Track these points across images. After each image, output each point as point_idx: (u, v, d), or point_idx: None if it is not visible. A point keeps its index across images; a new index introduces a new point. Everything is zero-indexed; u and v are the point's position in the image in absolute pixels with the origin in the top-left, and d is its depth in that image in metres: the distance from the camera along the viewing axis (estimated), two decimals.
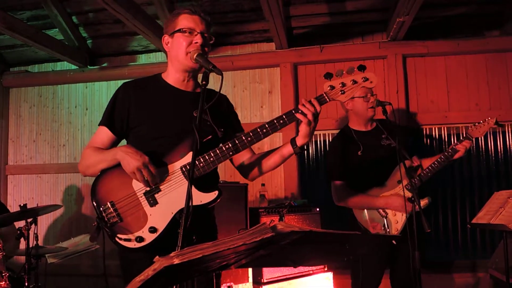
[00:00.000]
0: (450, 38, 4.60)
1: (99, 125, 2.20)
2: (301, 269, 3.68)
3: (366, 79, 2.05)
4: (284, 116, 2.01)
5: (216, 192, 1.98)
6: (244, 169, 2.29)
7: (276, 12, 3.86)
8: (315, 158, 4.85)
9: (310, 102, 1.98)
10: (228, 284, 3.42)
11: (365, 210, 3.28)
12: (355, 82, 2.04)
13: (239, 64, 4.93)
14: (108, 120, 2.17)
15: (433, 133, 4.68)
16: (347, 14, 4.54)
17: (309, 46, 4.77)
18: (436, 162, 3.20)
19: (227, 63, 4.88)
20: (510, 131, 4.58)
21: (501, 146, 4.60)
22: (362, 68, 2.05)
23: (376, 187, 3.26)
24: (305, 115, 1.96)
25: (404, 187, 3.13)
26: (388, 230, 3.16)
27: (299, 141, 2.05)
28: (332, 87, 2.03)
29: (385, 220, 3.19)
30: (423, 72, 4.70)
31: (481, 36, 4.64)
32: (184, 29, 2.08)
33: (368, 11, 4.47)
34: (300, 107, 1.98)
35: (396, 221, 3.18)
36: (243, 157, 2.27)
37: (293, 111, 2.00)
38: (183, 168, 1.98)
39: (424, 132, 4.68)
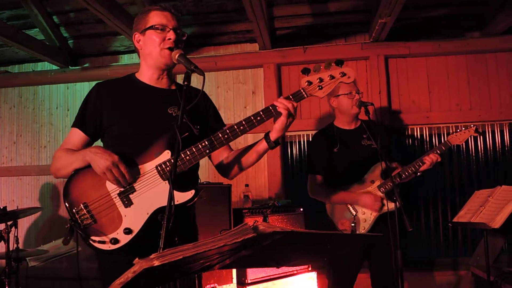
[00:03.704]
0: (431, 39, 4.66)
1: (71, 126, 2.19)
2: (285, 269, 3.68)
3: (344, 74, 2.05)
4: (261, 113, 1.98)
5: (193, 191, 1.94)
6: (222, 168, 2.26)
7: (259, 13, 3.86)
8: (299, 158, 4.86)
9: (287, 98, 1.98)
10: (212, 285, 3.41)
11: (336, 206, 3.34)
12: (332, 77, 2.03)
13: (223, 64, 4.92)
14: (80, 121, 2.16)
15: (415, 133, 4.72)
16: (330, 15, 4.55)
17: (293, 46, 4.78)
18: (406, 173, 3.23)
19: (211, 64, 4.87)
20: (490, 131, 4.65)
21: (482, 145, 4.67)
22: (339, 63, 2.05)
23: (349, 184, 3.31)
24: (280, 112, 1.96)
25: (384, 187, 3.18)
26: (355, 227, 3.23)
27: (273, 135, 2.03)
28: (310, 83, 2.02)
29: (353, 218, 3.25)
30: (405, 73, 4.75)
31: (461, 37, 4.70)
32: (156, 26, 2.07)
33: (350, 12, 4.49)
34: (275, 103, 1.97)
35: (364, 219, 3.25)
36: (221, 155, 2.25)
37: (271, 107, 1.99)
38: (159, 168, 1.96)
39: (406, 132, 4.73)
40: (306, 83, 2.02)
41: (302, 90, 2.02)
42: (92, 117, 2.14)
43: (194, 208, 2.21)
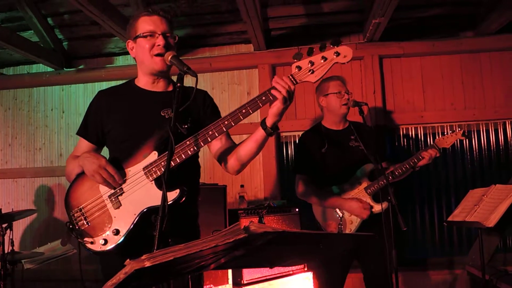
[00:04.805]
0: (425, 39, 4.67)
1: (76, 134, 2.29)
2: (281, 269, 3.68)
3: (339, 54, 1.87)
4: (246, 105, 1.92)
5: (178, 191, 1.91)
6: (225, 163, 2.21)
7: (253, 14, 3.86)
8: (294, 159, 4.86)
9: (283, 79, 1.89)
10: (208, 286, 3.41)
11: (322, 208, 3.31)
12: (325, 58, 1.86)
13: (218, 65, 4.92)
14: (83, 130, 2.26)
15: (410, 133, 4.74)
16: (324, 16, 4.56)
17: (287, 47, 4.78)
18: (399, 170, 3.23)
19: (206, 65, 4.87)
20: (484, 130, 4.67)
21: (476, 144, 4.68)
22: (336, 42, 1.88)
23: (336, 185, 3.29)
24: (276, 95, 1.88)
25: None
26: (342, 229, 3.19)
27: (268, 121, 1.96)
28: (299, 68, 1.87)
29: (340, 219, 3.22)
30: (399, 73, 4.76)
31: (455, 37, 4.72)
32: (145, 34, 2.07)
33: (344, 12, 4.50)
34: (273, 82, 1.88)
35: (351, 221, 3.22)
36: (223, 149, 2.21)
37: (257, 100, 1.92)
38: (145, 169, 1.98)
39: (401, 132, 4.74)
40: (296, 69, 1.87)
41: (290, 77, 1.88)
42: (93, 125, 2.22)
43: (195, 208, 2.23)
